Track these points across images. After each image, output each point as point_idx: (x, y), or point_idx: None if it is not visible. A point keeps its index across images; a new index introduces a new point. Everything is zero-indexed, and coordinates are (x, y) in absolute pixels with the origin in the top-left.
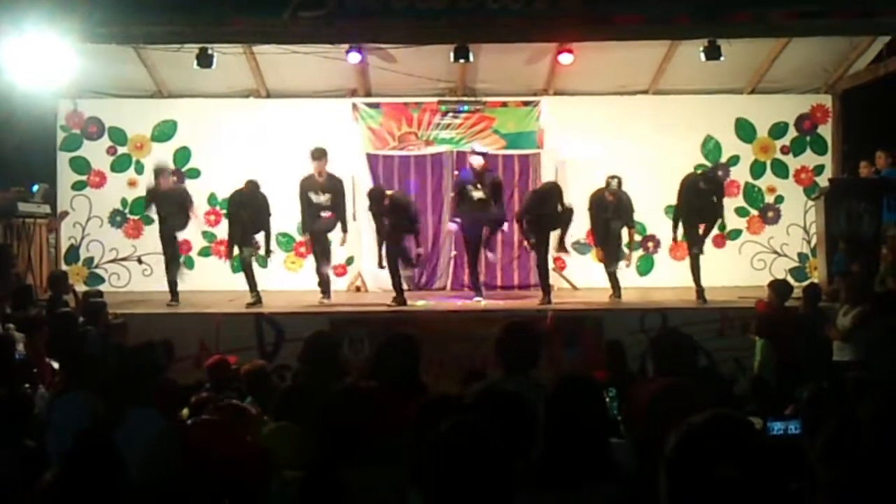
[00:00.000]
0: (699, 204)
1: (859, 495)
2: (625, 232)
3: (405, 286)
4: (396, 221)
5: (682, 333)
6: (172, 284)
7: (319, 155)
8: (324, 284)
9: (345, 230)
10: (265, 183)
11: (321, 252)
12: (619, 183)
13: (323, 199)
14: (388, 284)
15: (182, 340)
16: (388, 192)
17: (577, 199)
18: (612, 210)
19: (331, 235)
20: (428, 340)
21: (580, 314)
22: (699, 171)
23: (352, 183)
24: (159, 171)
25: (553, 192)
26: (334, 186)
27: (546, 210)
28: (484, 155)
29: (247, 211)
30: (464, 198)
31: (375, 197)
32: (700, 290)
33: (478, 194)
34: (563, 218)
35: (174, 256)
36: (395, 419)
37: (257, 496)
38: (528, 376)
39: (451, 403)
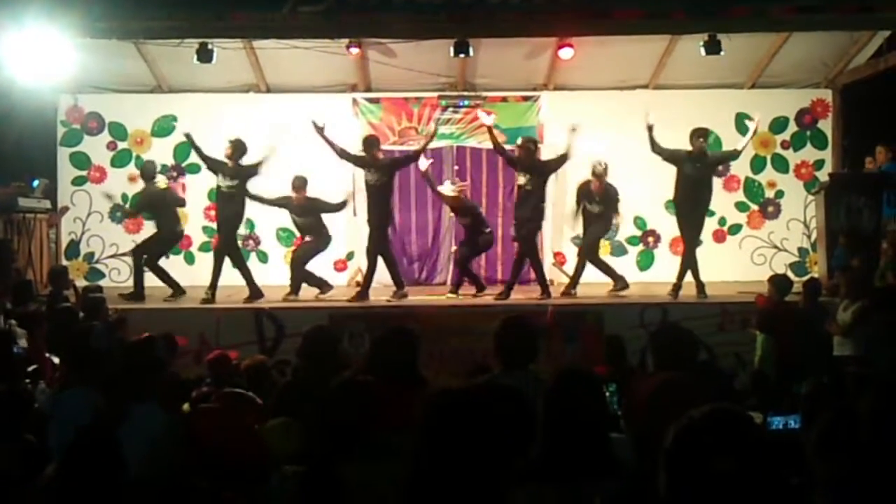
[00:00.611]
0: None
1: (857, 490)
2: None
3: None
4: (381, 181)
5: (683, 328)
6: (170, 279)
7: (299, 185)
8: (316, 283)
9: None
10: (264, 177)
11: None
12: (605, 169)
13: (300, 221)
14: (388, 279)
15: (182, 335)
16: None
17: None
18: (597, 201)
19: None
20: (427, 335)
21: (580, 309)
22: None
23: (352, 178)
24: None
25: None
26: (312, 206)
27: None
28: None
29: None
30: None
31: (371, 143)
32: (700, 285)
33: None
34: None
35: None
36: (395, 414)
37: (257, 486)
38: (528, 371)
39: (454, 398)
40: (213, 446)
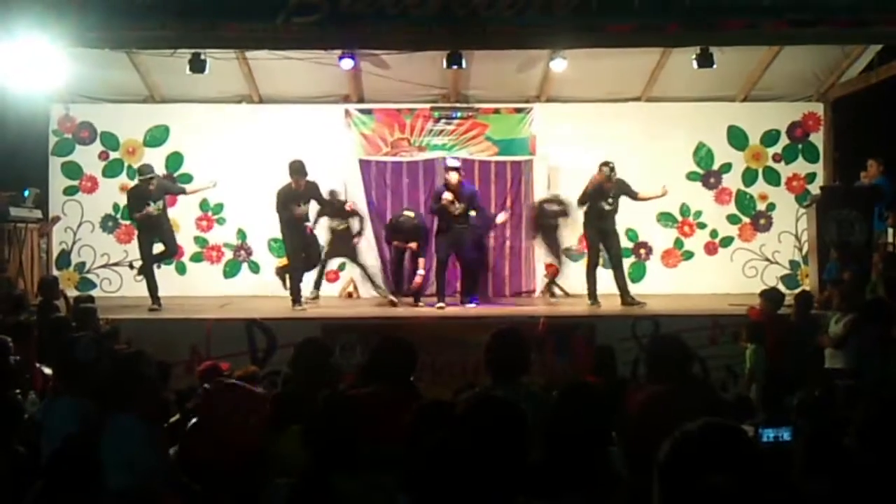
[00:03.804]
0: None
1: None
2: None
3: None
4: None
5: (677, 339)
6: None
7: (298, 169)
8: (295, 293)
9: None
10: (257, 188)
11: (303, 263)
12: (613, 168)
13: (304, 209)
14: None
15: (173, 346)
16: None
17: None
18: (611, 198)
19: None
20: (421, 346)
21: (572, 321)
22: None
23: (344, 189)
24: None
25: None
26: (313, 193)
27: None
28: (457, 170)
29: None
30: (443, 215)
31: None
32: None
33: (455, 208)
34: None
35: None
36: (388, 425)
37: (251, 495)
38: (519, 384)
39: (445, 410)
40: (219, 417)
